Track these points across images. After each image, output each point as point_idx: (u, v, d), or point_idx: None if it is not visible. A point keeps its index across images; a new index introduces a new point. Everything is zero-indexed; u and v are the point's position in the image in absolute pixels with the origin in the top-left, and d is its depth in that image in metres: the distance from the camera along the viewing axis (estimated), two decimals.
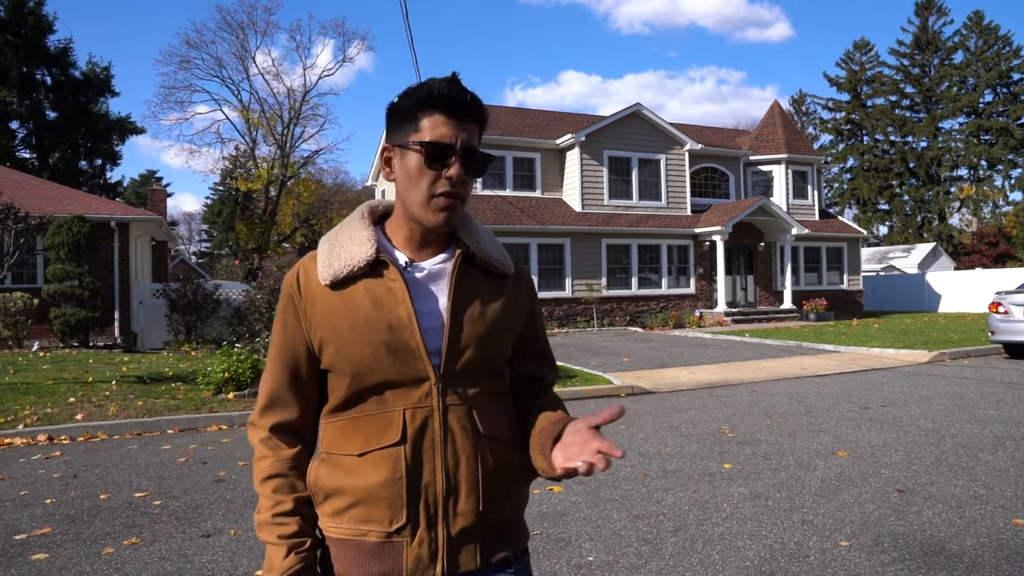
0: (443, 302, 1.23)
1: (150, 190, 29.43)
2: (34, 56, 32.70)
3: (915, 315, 24.49)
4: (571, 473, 1.11)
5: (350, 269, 1.21)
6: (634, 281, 21.40)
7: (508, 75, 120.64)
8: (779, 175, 24.72)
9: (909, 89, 51.80)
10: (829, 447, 5.88)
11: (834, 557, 3.50)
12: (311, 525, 1.23)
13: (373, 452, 1.19)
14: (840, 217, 28.82)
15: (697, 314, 21.47)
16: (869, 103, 53.06)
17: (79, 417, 7.21)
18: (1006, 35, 48.88)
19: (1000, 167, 48.94)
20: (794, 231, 22.09)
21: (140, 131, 38.17)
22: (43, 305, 14.47)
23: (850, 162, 54.14)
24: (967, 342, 13.82)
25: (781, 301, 23.32)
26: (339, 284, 1.22)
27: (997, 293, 12.49)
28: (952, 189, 50.50)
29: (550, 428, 1.22)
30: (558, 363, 11.49)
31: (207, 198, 56.05)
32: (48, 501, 4.64)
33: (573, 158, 21.53)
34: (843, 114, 54.03)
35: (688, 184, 22.97)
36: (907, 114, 52.09)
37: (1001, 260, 41.47)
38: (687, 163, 22.96)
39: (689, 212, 22.83)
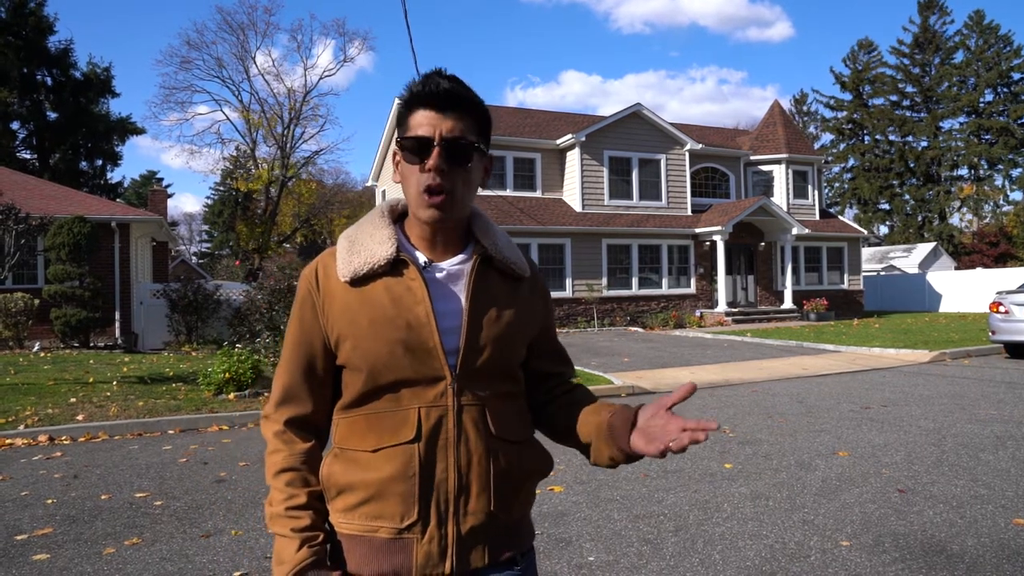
0: (461, 303, 1.24)
1: (150, 191, 29.44)
2: (35, 57, 32.72)
3: (916, 315, 24.48)
4: (664, 453, 1.14)
5: (370, 267, 1.23)
6: (634, 281, 21.40)
7: (508, 75, 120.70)
8: (779, 175, 24.72)
9: (909, 89, 51.78)
10: (830, 447, 5.88)
11: (835, 557, 3.50)
12: (323, 519, 1.23)
13: (387, 448, 1.19)
14: (841, 217, 28.82)
15: (698, 314, 21.47)
16: (870, 103, 53.05)
17: (80, 417, 7.21)
18: (1006, 34, 48.86)
19: (1000, 166, 48.91)
20: (794, 231, 22.08)
21: (140, 132, 38.21)
22: (44, 306, 14.48)
23: (851, 162, 54.13)
24: (968, 342, 13.81)
25: (782, 301, 23.32)
26: (359, 281, 1.23)
27: (998, 293, 12.48)
28: (952, 189, 50.48)
29: (619, 417, 1.23)
30: None
31: (207, 198, 56.09)
32: (49, 501, 4.64)
33: (573, 158, 21.53)
34: (845, 113, 54.00)
35: (688, 184, 22.96)
36: (908, 114, 52.06)
37: (1002, 260, 41.45)
38: (687, 163, 22.96)
39: (689, 212, 22.83)
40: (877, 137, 52.50)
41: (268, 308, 10.33)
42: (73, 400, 8.04)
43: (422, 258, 1.26)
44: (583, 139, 21.25)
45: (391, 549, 1.19)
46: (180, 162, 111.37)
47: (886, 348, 13.30)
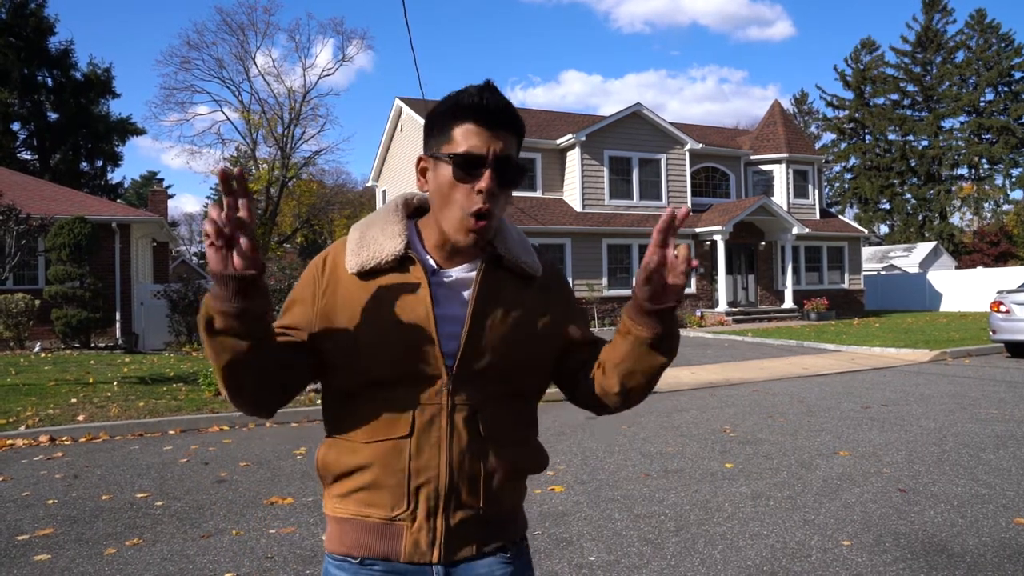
0: (465, 307, 1.22)
1: (151, 191, 29.47)
2: (35, 58, 32.75)
3: (916, 314, 24.48)
4: (672, 288, 1.15)
5: (377, 261, 1.21)
6: (635, 281, 21.39)
7: (508, 75, 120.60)
8: (780, 174, 24.71)
9: (911, 88, 51.75)
10: (830, 446, 5.87)
11: (836, 556, 3.50)
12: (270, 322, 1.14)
13: (380, 442, 1.20)
14: (841, 216, 28.81)
15: (698, 314, 21.47)
16: (872, 102, 53.04)
17: (81, 418, 7.22)
18: (1007, 33, 48.85)
19: (1001, 166, 48.90)
20: (795, 230, 22.08)
21: (141, 132, 38.26)
22: (44, 306, 14.48)
23: (852, 161, 54.12)
24: (968, 341, 13.80)
25: (782, 300, 23.31)
26: (365, 275, 1.22)
27: (998, 292, 12.48)
28: (953, 188, 50.47)
29: (629, 311, 1.21)
30: None
31: (208, 199, 56.10)
32: (50, 502, 4.65)
33: (574, 158, 21.53)
34: (846, 112, 53.99)
35: (689, 184, 22.97)
36: (909, 113, 52.05)
37: (1002, 259, 41.45)
38: (688, 163, 22.96)
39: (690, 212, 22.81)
40: (878, 136, 52.48)
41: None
42: (74, 401, 8.04)
43: (431, 261, 1.24)
44: (583, 139, 21.25)
45: (382, 533, 1.20)
46: (180, 162, 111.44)
47: (887, 347, 13.30)
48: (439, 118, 1.21)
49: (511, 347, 1.24)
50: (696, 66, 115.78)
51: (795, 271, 23.58)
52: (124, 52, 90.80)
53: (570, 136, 21.33)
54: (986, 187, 49.60)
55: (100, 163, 37.26)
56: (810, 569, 3.36)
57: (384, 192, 27.24)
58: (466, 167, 1.16)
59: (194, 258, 57.26)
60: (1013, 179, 48.69)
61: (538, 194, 21.76)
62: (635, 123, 22.28)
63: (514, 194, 21.91)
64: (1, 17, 31.49)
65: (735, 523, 4.02)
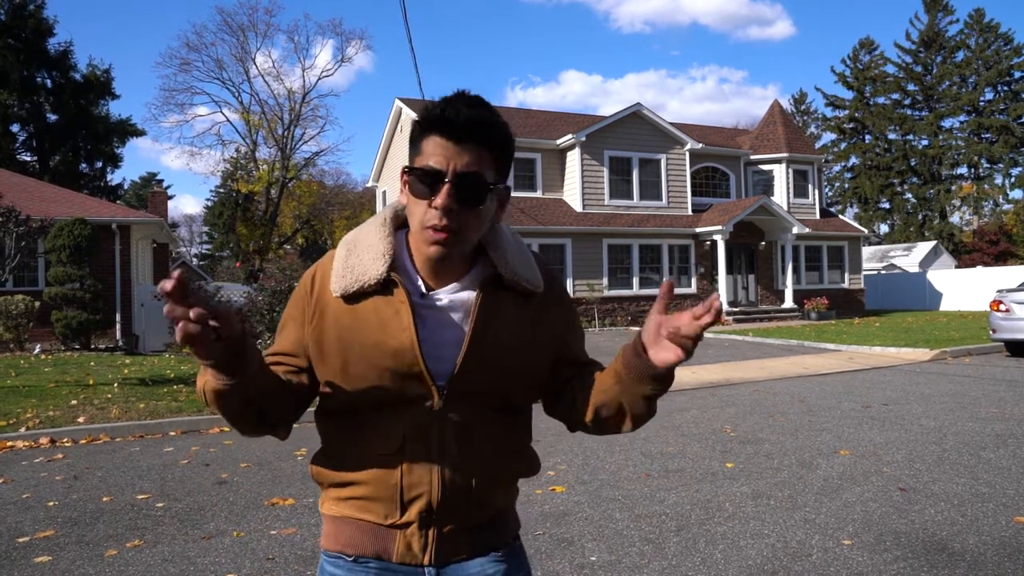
0: (460, 331, 1.18)
1: (151, 192, 29.47)
2: (34, 59, 32.77)
3: (916, 313, 24.47)
4: (685, 347, 1.04)
5: (360, 286, 1.18)
6: (635, 281, 21.40)
7: (509, 75, 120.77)
8: (780, 174, 24.72)
9: (911, 87, 51.74)
10: (831, 446, 5.87)
11: (836, 556, 3.50)
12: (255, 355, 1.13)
13: (372, 459, 1.20)
14: (841, 216, 28.81)
15: None
16: (872, 101, 53.04)
17: (81, 420, 7.22)
18: (1006, 33, 48.85)
19: (1000, 165, 48.91)
20: (795, 230, 22.08)
21: (140, 133, 38.30)
22: (44, 308, 14.48)
23: (852, 160, 54.12)
24: (968, 340, 13.80)
25: (782, 300, 23.31)
26: (349, 299, 1.20)
27: (998, 291, 12.48)
28: (953, 187, 50.47)
29: (628, 352, 1.18)
30: None
31: (208, 200, 56.11)
32: (50, 504, 4.65)
33: (574, 158, 21.54)
34: (846, 112, 53.99)
35: (689, 184, 22.97)
36: (909, 112, 52.05)
37: (1002, 258, 41.44)
38: (688, 163, 22.96)
39: (690, 212, 22.83)
40: (878, 136, 52.49)
41: (269, 309, 10.35)
42: (74, 402, 8.04)
43: (420, 283, 1.20)
44: (583, 139, 21.26)
45: (376, 534, 1.21)
46: (180, 164, 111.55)
47: (887, 347, 13.30)
48: (415, 129, 1.18)
49: (509, 366, 1.21)
50: (696, 66, 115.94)
51: (795, 271, 23.58)
52: (123, 53, 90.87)
53: (570, 136, 21.33)
54: (986, 186, 49.60)
55: (100, 164, 37.29)
56: (811, 568, 3.36)
57: (384, 193, 27.24)
58: (426, 181, 1.12)
59: (194, 259, 57.27)
60: (1013, 178, 48.70)
61: (538, 194, 21.76)
62: (635, 123, 22.28)
63: (514, 194, 21.92)
64: (0, 18, 31.49)
65: (736, 523, 4.02)
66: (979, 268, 28.84)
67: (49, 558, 3.67)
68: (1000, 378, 9.59)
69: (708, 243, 22.22)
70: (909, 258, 40.00)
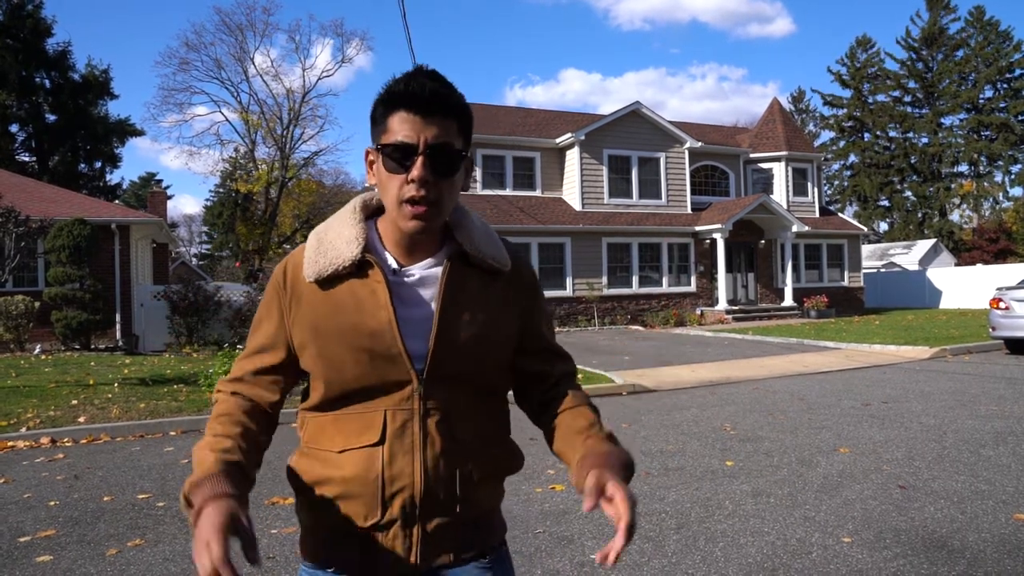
0: (431, 308, 1.19)
1: (150, 192, 29.47)
2: (33, 59, 32.75)
3: (916, 311, 24.49)
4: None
5: (335, 268, 1.18)
6: (635, 280, 21.41)
7: (508, 74, 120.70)
8: (779, 172, 24.73)
9: (912, 85, 51.73)
10: (831, 444, 5.88)
11: (836, 553, 3.51)
12: (247, 455, 1.17)
13: (352, 450, 1.18)
14: (841, 214, 28.81)
15: (698, 312, 21.48)
16: (871, 99, 53.04)
17: (81, 419, 7.22)
18: (1006, 30, 48.83)
19: (1000, 163, 48.91)
20: (794, 228, 22.09)
21: (139, 133, 38.29)
22: (44, 308, 14.48)
23: (851, 159, 54.13)
24: (968, 338, 13.82)
25: (782, 298, 23.33)
26: (324, 283, 1.20)
27: (998, 289, 12.49)
28: (952, 185, 50.47)
29: (587, 460, 1.18)
30: None
31: (207, 200, 56.11)
32: (51, 503, 4.65)
33: (573, 157, 21.54)
34: (845, 111, 54.00)
35: (688, 182, 22.97)
36: (909, 110, 52.06)
37: (1002, 256, 41.42)
38: (687, 161, 22.97)
39: (689, 210, 22.84)
40: (878, 133, 52.50)
41: None
42: (75, 402, 8.05)
43: (393, 262, 1.22)
44: (582, 138, 21.26)
45: (357, 543, 1.19)
46: (179, 164, 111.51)
47: (887, 345, 13.31)
48: (377, 108, 1.19)
49: (481, 346, 1.21)
50: (696, 64, 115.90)
51: (795, 269, 23.60)
52: (122, 53, 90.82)
53: (569, 135, 21.33)
54: (985, 184, 49.61)
55: (99, 164, 37.28)
56: (811, 566, 3.37)
57: None
58: (398, 157, 1.14)
59: (193, 259, 57.26)
60: (1012, 176, 48.71)
61: (537, 193, 21.76)
62: (634, 122, 22.28)
63: (513, 193, 21.92)
64: None
65: (736, 520, 4.03)
66: (979, 266, 28.84)
67: (50, 557, 3.67)
68: (1000, 376, 9.60)
69: (708, 242, 22.22)
70: (909, 256, 39.99)
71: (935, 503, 4.23)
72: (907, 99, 52.25)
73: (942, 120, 50.63)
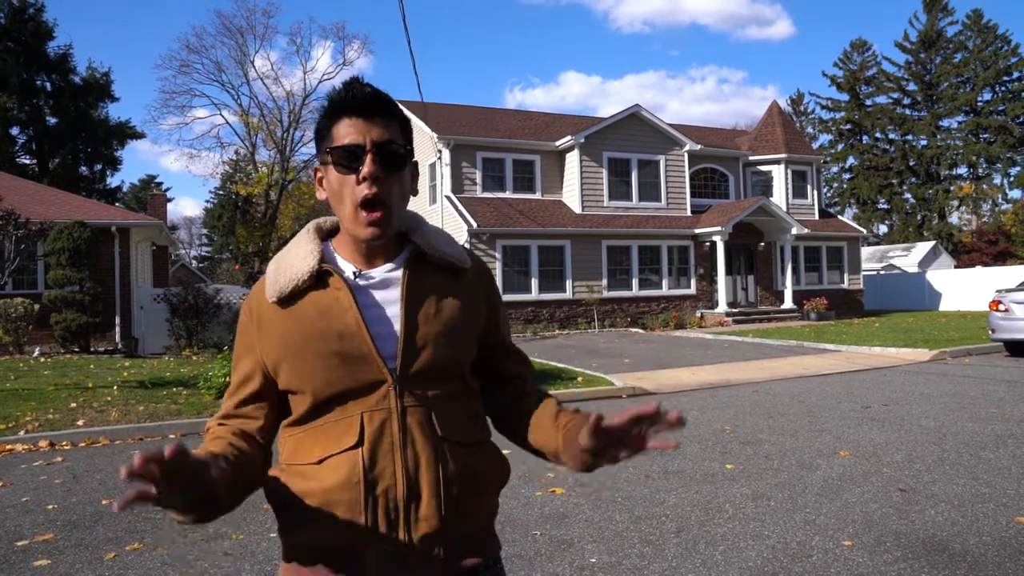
0: (396, 306, 1.21)
1: (150, 195, 29.49)
2: (34, 62, 32.80)
3: (916, 314, 24.48)
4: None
5: (294, 284, 1.20)
6: (635, 282, 21.40)
7: (508, 76, 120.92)
8: (778, 175, 24.73)
9: (911, 87, 51.80)
10: (831, 447, 5.87)
11: (837, 557, 3.50)
12: (236, 460, 1.15)
13: (331, 457, 1.16)
14: (840, 216, 28.83)
15: (698, 315, 21.47)
16: (869, 102, 53.09)
17: (80, 423, 7.21)
18: (1004, 33, 48.94)
19: (999, 165, 48.96)
20: (794, 231, 22.09)
21: (140, 136, 38.33)
22: (44, 311, 14.48)
23: (850, 161, 54.17)
24: (968, 340, 13.81)
25: (782, 301, 23.32)
26: (286, 301, 1.21)
27: (997, 291, 12.48)
28: (951, 187, 50.51)
29: (571, 428, 1.22)
30: (559, 365, 11.51)
31: (207, 202, 56.13)
32: (50, 507, 4.64)
33: (572, 160, 21.54)
34: (843, 114, 54.06)
35: (688, 185, 22.98)
36: (907, 112, 52.11)
37: (1001, 258, 41.45)
38: (686, 164, 22.97)
39: (689, 213, 22.84)
40: (877, 136, 52.55)
41: None
42: (74, 405, 8.04)
43: (351, 268, 1.24)
44: (582, 141, 21.26)
45: (343, 558, 1.16)
46: (179, 166, 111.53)
47: (886, 347, 13.30)
48: (320, 124, 1.22)
49: (450, 339, 1.22)
50: (696, 66, 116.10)
51: (795, 271, 23.59)
52: (123, 56, 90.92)
53: (569, 138, 21.33)
54: (984, 186, 49.65)
55: (99, 167, 37.32)
56: (811, 569, 3.36)
57: None
58: (347, 159, 1.17)
59: (193, 261, 57.24)
60: (1011, 178, 48.75)
61: (537, 196, 21.76)
62: (634, 124, 22.29)
63: (513, 196, 21.92)
64: (0, 22, 31.50)
65: (736, 524, 4.02)
66: (978, 268, 28.85)
67: (48, 561, 3.66)
68: (1000, 378, 9.60)
69: (707, 244, 22.22)
70: (908, 258, 40.01)
71: (935, 506, 4.22)
72: (906, 101, 52.34)
73: (941, 123, 50.70)
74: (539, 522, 4.11)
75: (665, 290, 21.80)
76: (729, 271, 22.60)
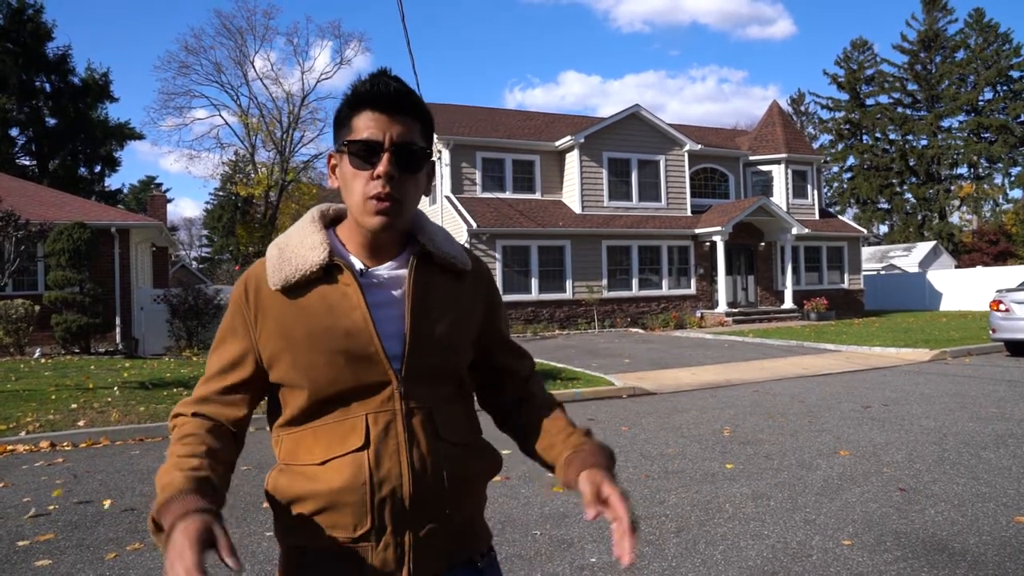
0: (402, 306, 1.19)
1: (150, 196, 29.51)
2: (33, 63, 32.79)
3: (916, 314, 24.48)
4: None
5: (302, 274, 1.17)
6: (635, 282, 21.40)
7: (508, 76, 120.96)
8: (779, 175, 24.73)
9: (911, 87, 51.80)
10: (831, 446, 5.87)
11: (837, 556, 3.50)
12: (218, 475, 1.12)
13: (335, 459, 1.15)
14: (840, 216, 28.82)
15: (698, 315, 21.47)
16: (869, 101, 53.09)
17: (81, 423, 7.22)
18: (1005, 33, 48.93)
19: (1000, 165, 48.95)
20: (794, 231, 22.09)
21: (139, 137, 38.33)
22: (44, 312, 14.48)
23: (850, 161, 54.17)
24: (968, 340, 13.81)
25: (782, 301, 23.32)
26: (291, 290, 1.17)
27: (998, 291, 12.48)
28: (952, 187, 50.51)
29: (575, 460, 1.23)
30: (559, 365, 11.51)
31: (207, 203, 56.14)
32: (51, 507, 4.64)
33: (572, 160, 21.55)
34: (843, 114, 54.05)
35: (688, 185, 22.98)
36: (908, 112, 52.10)
37: (1001, 258, 41.44)
38: (686, 164, 22.98)
39: (689, 213, 22.84)
40: (877, 136, 52.54)
41: None
42: (74, 406, 8.04)
43: (358, 264, 1.21)
44: (582, 141, 21.27)
45: (345, 559, 1.15)
46: (179, 167, 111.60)
47: (887, 347, 13.30)
48: (340, 112, 1.20)
49: (453, 342, 1.23)
50: (696, 66, 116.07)
51: (795, 271, 23.60)
52: (122, 56, 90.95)
53: (569, 138, 21.34)
54: (985, 186, 49.64)
55: (98, 168, 37.31)
56: (811, 569, 3.36)
57: None
58: (364, 154, 1.15)
59: (193, 262, 57.26)
60: (1012, 178, 48.74)
61: (537, 196, 21.77)
62: (634, 124, 22.30)
63: (513, 196, 21.91)
64: None
65: (736, 524, 4.02)
66: (979, 268, 28.85)
67: (49, 562, 3.67)
68: (1000, 378, 9.60)
69: (707, 244, 22.23)
70: (909, 258, 40.01)
71: (935, 506, 4.22)
72: (906, 101, 52.33)
73: (941, 122, 50.68)
74: (539, 522, 4.12)
75: (665, 290, 21.80)
76: (729, 271, 22.60)
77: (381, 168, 1.14)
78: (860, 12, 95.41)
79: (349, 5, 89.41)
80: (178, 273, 38.81)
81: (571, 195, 21.67)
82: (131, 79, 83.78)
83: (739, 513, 4.21)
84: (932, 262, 39.37)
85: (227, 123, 43.12)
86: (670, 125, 23.04)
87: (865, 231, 26.65)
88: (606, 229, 20.78)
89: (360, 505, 1.13)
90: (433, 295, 1.23)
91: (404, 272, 1.22)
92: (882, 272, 35.91)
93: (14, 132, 33.45)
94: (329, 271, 1.18)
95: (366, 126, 1.15)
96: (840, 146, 54.29)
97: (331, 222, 1.29)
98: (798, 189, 24.98)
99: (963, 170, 50.75)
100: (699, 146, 23.08)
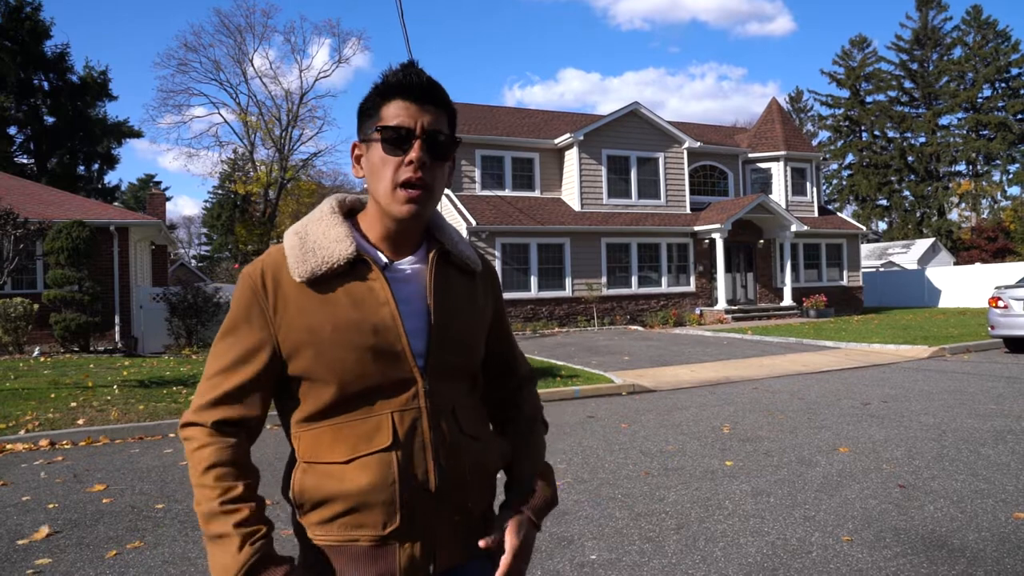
0: (424, 302, 1.20)
1: (149, 194, 29.45)
2: (31, 61, 32.74)
3: (915, 311, 24.50)
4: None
5: (329, 266, 1.15)
6: (634, 280, 21.41)
7: (507, 73, 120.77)
8: (778, 172, 24.74)
9: (908, 84, 51.80)
10: (830, 443, 5.88)
11: (836, 552, 3.51)
12: (263, 512, 1.14)
13: (362, 457, 1.14)
14: (839, 214, 28.82)
15: (697, 312, 21.48)
16: (869, 99, 53.10)
17: (81, 422, 7.22)
18: (1004, 30, 48.91)
19: (998, 162, 48.97)
20: (793, 228, 22.10)
21: (138, 135, 38.27)
22: (43, 310, 14.47)
23: (849, 158, 54.17)
24: (967, 337, 13.82)
25: (781, 298, 23.33)
26: (316, 282, 1.16)
27: (996, 288, 12.49)
28: (951, 184, 50.52)
29: (516, 500, 1.32)
30: (558, 363, 11.53)
31: (206, 201, 56.11)
32: (51, 506, 4.65)
33: (572, 158, 21.54)
34: (842, 111, 54.05)
35: (687, 182, 22.98)
36: (906, 110, 52.10)
37: (1000, 255, 41.46)
38: (686, 161, 22.97)
39: (688, 210, 22.84)
40: (876, 133, 52.55)
41: None
42: (74, 404, 8.04)
43: (383, 258, 1.21)
44: (581, 138, 21.26)
45: (374, 556, 1.15)
46: (178, 165, 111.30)
47: (886, 344, 13.31)
48: (369, 102, 1.21)
49: (471, 340, 1.26)
50: (695, 63, 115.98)
51: (794, 268, 23.61)
52: (121, 54, 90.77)
53: (568, 135, 21.33)
54: (984, 183, 49.65)
55: (97, 166, 37.27)
56: (811, 565, 3.37)
57: None
58: (395, 141, 1.16)
59: (193, 261, 57.22)
60: (1011, 175, 48.75)
61: (536, 194, 21.76)
62: (633, 122, 22.29)
63: (512, 194, 21.90)
64: None
65: (736, 520, 4.03)
66: (977, 265, 28.87)
67: (49, 560, 3.67)
68: (999, 374, 9.61)
69: (707, 241, 22.23)
70: (907, 255, 40.02)
71: (935, 502, 4.23)
72: (905, 99, 52.32)
73: (940, 119, 50.68)
74: None
75: (664, 287, 21.81)
76: (728, 268, 22.61)
77: (413, 154, 1.15)
78: (860, 9, 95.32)
79: (348, 3, 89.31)
80: (177, 271, 38.80)
81: (570, 193, 21.66)
82: (129, 77, 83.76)
83: (739, 510, 4.22)
84: (931, 259, 39.40)
85: (226, 121, 43.08)
86: (669, 122, 23.03)
87: (864, 228, 26.65)
88: (605, 227, 20.78)
89: (389, 504, 1.14)
90: (452, 293, 1.25)
91: (423, 267, 1.24)
92: (881, 269, 35.93)
93: (12, 130, 33.41)
94: (354, 264, 1.18)
95: (397, 114, 1.17)
96: (839, 143, 54.30)
97: (348, 213, 1.30)
98: (797, 186, 24.98)
99: (962, 167, 50.80)
100: (698, 143, 23.08)
